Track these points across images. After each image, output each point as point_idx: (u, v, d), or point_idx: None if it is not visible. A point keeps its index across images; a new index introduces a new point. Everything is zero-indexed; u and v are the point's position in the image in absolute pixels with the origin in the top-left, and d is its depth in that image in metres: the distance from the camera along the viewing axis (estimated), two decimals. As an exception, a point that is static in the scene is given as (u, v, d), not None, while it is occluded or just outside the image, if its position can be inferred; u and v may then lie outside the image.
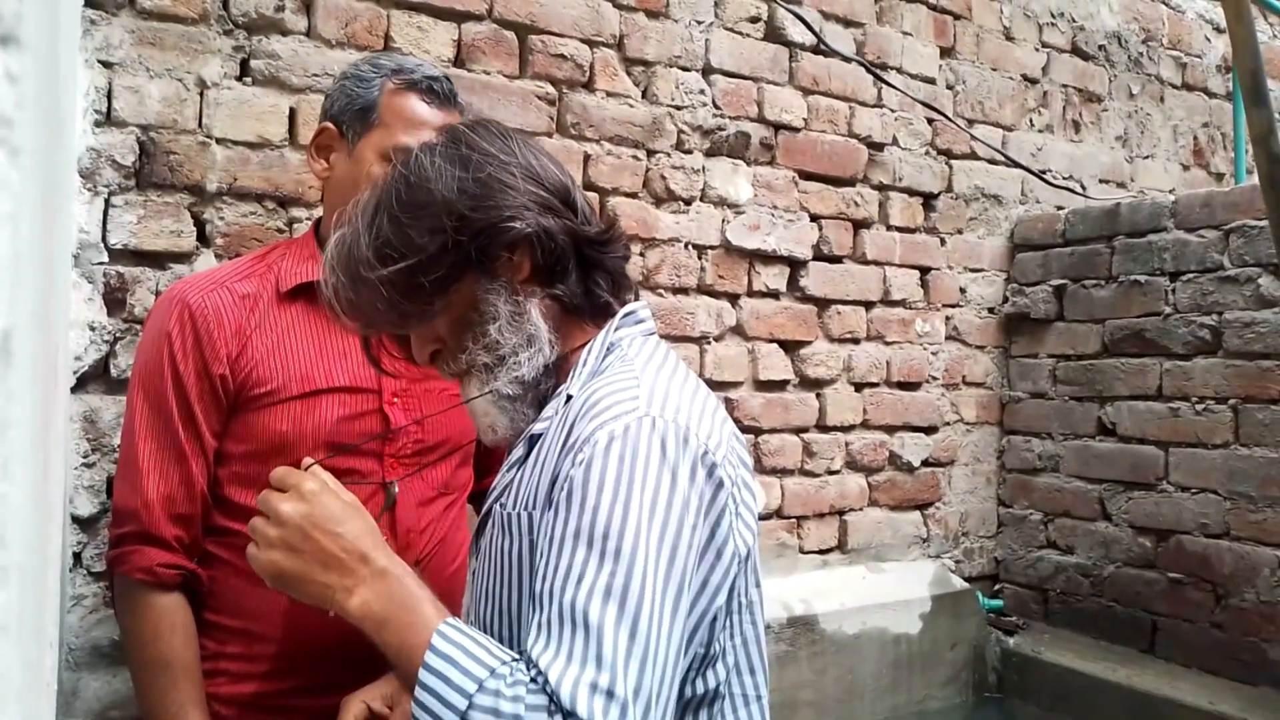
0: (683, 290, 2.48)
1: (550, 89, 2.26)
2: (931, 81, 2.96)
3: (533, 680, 0.80)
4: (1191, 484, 2.64)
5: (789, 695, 2.45)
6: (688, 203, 2.48)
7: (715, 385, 2.50)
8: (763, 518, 2.56)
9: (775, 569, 2.60)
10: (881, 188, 2.84)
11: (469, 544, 1.44)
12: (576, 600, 0.82)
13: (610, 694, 0.78)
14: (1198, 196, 2.74)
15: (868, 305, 2.82)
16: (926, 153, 2.93)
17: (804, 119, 2.68)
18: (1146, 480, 2.75)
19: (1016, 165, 3.09)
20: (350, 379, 1.34)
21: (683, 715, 0.94)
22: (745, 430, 2.57)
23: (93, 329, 1.72)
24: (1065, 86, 3.28)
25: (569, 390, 0.99)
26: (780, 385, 2.66)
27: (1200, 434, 2.63)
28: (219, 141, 1.84)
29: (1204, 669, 2.56)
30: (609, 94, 2.35)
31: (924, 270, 2.94)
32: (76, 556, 1.69)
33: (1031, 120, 3.20)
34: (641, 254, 2.39)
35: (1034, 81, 3.21)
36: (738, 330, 2.58)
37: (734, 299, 2.57)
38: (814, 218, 2.71)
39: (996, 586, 3.11)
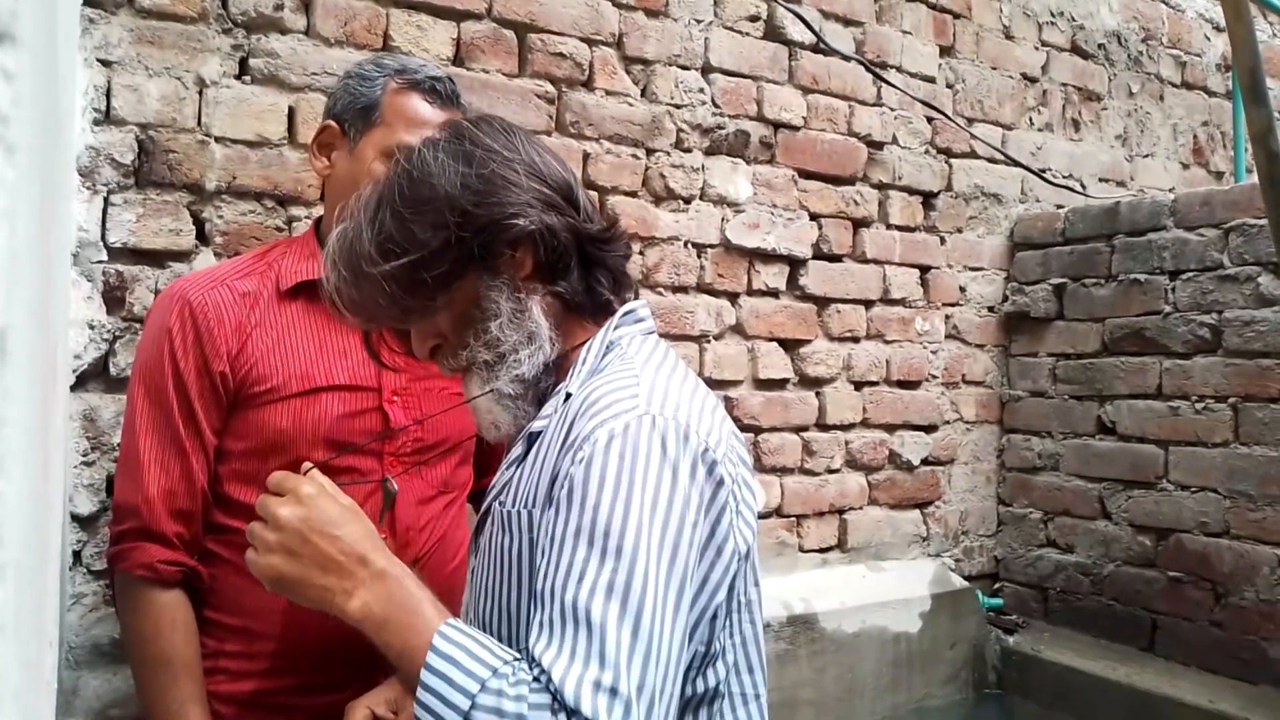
0: (682, 289, 2.48)
1: (549, 88, 2.26)
2: (931, 80, 2.96)
3: (535, 679, 0.80)
4: (1191, 483, 2.64)
5: (789, 694, 2.45)
6: (687, 201, 2.48)
7: (715, 384, 2.50)
8: (762, 516, 2.56)
9: (775, 568, 2.60)
10: (881, 186, 2.84)
11: (468, 542, 1.45)
12: (578, 598, 0.82)
13: (614, 691, 0.78)
14: (1197, 195, 2.73)
15: (867, 304, 2.82)
16: (926, 151, 2.93)
17: (803, 118, 2.68)
18: (1146, 479, 2.75)
19: (1016, 164, 3.09)
20: (350, 377, 1.35)
21: (682, 714, 0.94)
22: (745, 429, 2.57)
23: (92, 327, 1.72)
24: (1065, 85, 3.28)
25: (568, 388, 0.99)
26: (780, 384, 2.66)
27: (1200, 433, 2.63)
28: (218, 140, 1.84)
29: (1204, 667, 2.56)
30: (608, 93, 2.35)
31: (924, 269, 2.94)
32: (76, 555, 1.69)
33: (1031, 119, 3.20)
34: (641, 253, 2.39)
35: (1034, 80, 3.21)
36: (737, 329, 2.58)
37: (733, 298, 2.57)
38: (813, 216, 2.71)
39: (996, 585, 3.11)
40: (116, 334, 1.74)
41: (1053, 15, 3.25)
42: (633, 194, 2.39)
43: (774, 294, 2.64)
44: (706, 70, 2.51)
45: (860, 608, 2.62)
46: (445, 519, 1.42)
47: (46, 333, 0.63)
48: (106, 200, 1.74)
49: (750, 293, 2.60)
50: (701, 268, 2.51)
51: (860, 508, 2.82)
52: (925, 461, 2.96)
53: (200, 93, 1.83)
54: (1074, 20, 3.30)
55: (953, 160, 3.00)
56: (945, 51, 3.00)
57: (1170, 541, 2.68)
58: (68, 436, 1.64)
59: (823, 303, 2.73)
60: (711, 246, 2.52)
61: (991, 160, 3.07)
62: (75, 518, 1.69)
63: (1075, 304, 2.95)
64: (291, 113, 1.91)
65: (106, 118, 1.74)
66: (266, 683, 1.30)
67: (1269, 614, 2.45)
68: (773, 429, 2.64)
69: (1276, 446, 2.46)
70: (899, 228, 2.88)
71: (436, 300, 0.99)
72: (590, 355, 1.01)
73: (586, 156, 2.31)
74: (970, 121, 3.03)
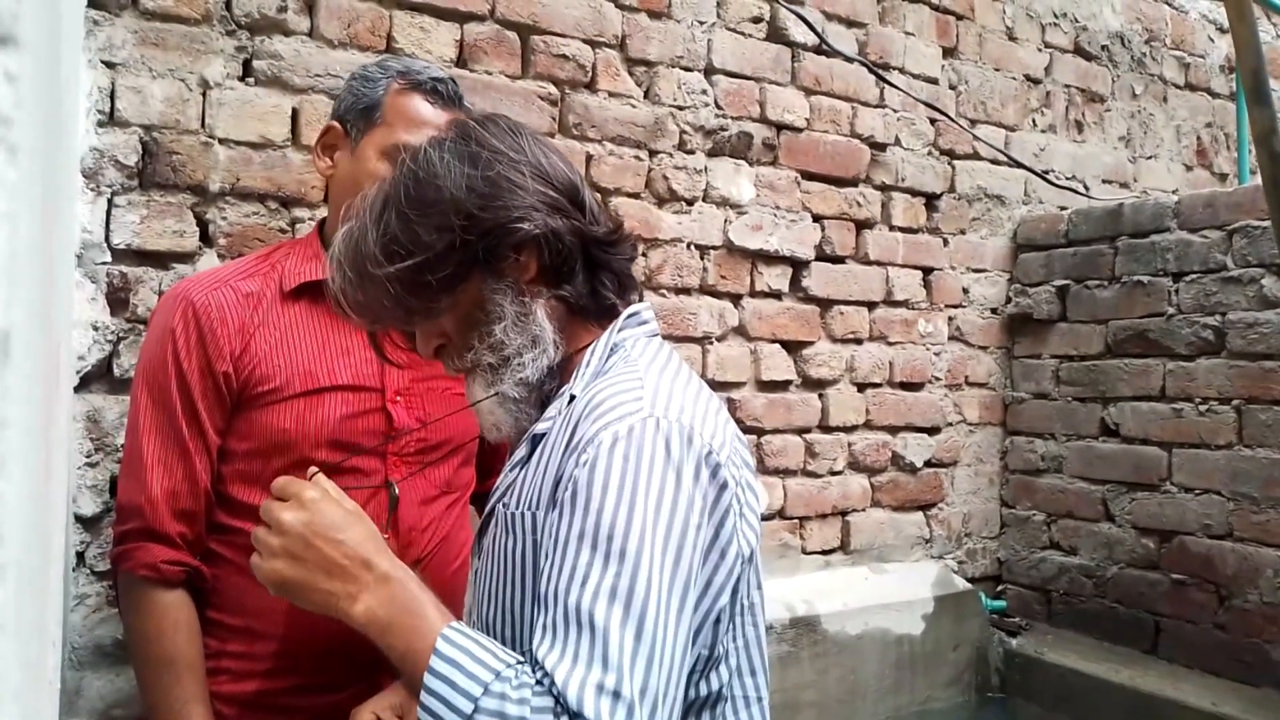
0: (685, 291, 2.48)
1: (552, 89, 2.27)
2: (934, 82, 2.95)
3: (538, 682, 0.80)
4: (1195, 485, 2.64)
5: (791, 696, 2.45)
6: (690, 203, 2.48)
7: (718, 386, 2.50)
8: (765, 518, 2.56)
9: (778, 569, 2.60)
10: (884, 188, 2.84)
11: (471, 544, 1.45)
12: (582, 601, 0.82)
13: (617, 695, 0.78)
14: (1201, 197, 2.73)
15: (870, 306, 2.82)
16: (929, 153, 2.93)
17: (806, 119, 2.68)
18: (1149, 481, 2.74)
19: (1019, 165, 3.09)
20: (353, 377, 1.35)
21: (685, 717, 0.94)
22: (748, 431, 2.57)
23: (96, 329, 1.72)
24: (1068, 87, 3.28)
25: (572, 390, 0.99)
26: (783, 386, 2.66)
27: (1203, 435, 2.62)
28: (221, 142, 1.84)
29: (1207, 670, 2.55)
30: (611, 94, 2.35)
31: (927, 271, 2.94)
32: (80, 556, 1.70)
33: (1034, 120, 3.20)
34: (644, 254, 2.39)
35: (1037, 82, 3.20)
36: (740, 331, 2.58)
37: (736, 299, 2.57)
38: (816, 218, 2.71)
39: (999, 587, 3.10)
40: (120, 335, 1.75)
41: (1056, 16, 3.25)
42: (635, 196, 2.39)
43: (777, 295, 2.64)
44: (709, 72, 2.51)
45: (863, 610, 2.61)
46: (448, 519, 1.42)
47: (49, 334, 0.64)
48: (110, 202, 1.75)
49: (753, 294, 2.60)
50: (704, 269, 2.51)
51: (863, 509, 2.82)
52: (928, 463, 2.95)
53: (204, 94, 1.83)
54: (1077, 21, 3.30)
55: (956, 162, 2.99)
56: (948, 53, 3.00)
57: (1173, 544, 2.68)
58: (71, 437, 1.64)
59: (825, 304, 2.73)
60: (714, 248, 2.52)
61: (994, 162, 3.07)
62: (79, 518, 1.69)
63: (1078, 306, 2.95)
64: (295, 114, 1.92)
65: (110, 119, 1.75)
66: (269, 683, 1.30)
67: (1272, 616, 2.44)
68: (775, 431, 2.64)
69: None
70: (902, 229, 2.88)
71: (441, 302, 0.99)
72: (594, 357, 1.01)
73: (589, 158, 2.31)
74: (973, 123, 3.03)
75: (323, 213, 1.79)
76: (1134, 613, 2.75)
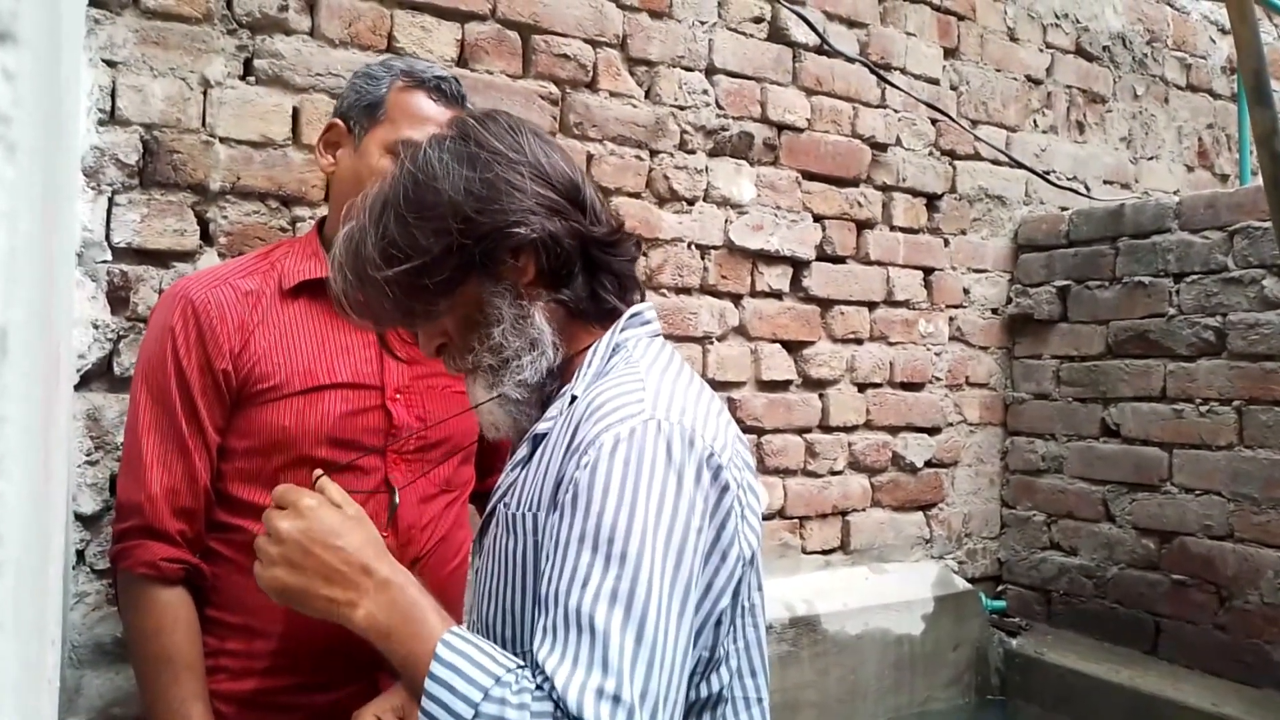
0: (686, 290, 2.48)
1: (553, 89, 2.27)
2: (935, 82, 2.95)
3: (538, 687, 0.80)
4: (1195, 485, 2.64)
5: (791, 696, 2.45)
6: (691, 203, 2.48)
7: (718, 385, 2.50)
8: (765, 518, 2.55)
9: (778, 569, 2.60)
10: (885, 188, 2.84)
11: (470, 542, 1.45)
12: (582, 604, 0.81)
13: (617, 699, 0.78)
14: (1202, 198, 2.73)
15: (871, 306, 2.82)
16: (930, 153, 2.93)
17: (807, 119, 2.68)
18: (1150, 482, 2.74)
19: (1020, 166, 3.09)
20: (353, 375, 1.35)
21: (686, 718, 0.94)
22: (748, 430, 2.57)
23: (96, 327, 1.72)
24: (1069, 87, 3.28)
25: (573, 391, 0.98)
26: (783, 385, 2.66)
27: (1204, 435, 2.62)
28: (222, 141, 1.84)
29: (1207, 671, 2.55)
30: (612, 94, 2.35)
31: (927, 271, 2.94)
32: (80, 554, 1.70)
33: (1035, 121, 3.20)
34: (645, 254, 2.39)
35: (1038, 82, 3.20)
36: (740, 330, 2.58)
37: (737, 299, 2.57)
38: (817, 218, 2.71)
39: (999, 587, 3.10)
40: (120, 334, 1.75)
41: (1057, 17, 3.25)
42: (636, 195, 2.39)
43: (777, 295, 2.64)
44: (710, 71, 2.51)
45: (863, 610, 2.61)
46: (447, 518, 1.42)
47: (49, 332, 0.64)
48: (111, 200, 1.75)
49: (753, 294, 2.60)
50: (705, 269, 2.51)
51: (863, 509, 2.82)
52: (928, 463, 2.95)
53: (205, 93, 1.83)
54: (1079, 22, 3.30)
55: (957, 162, 2.99)
56: (949, 53, 3.00)
57: (1174, 544, 2.67)
58: (71, 436, 1.64)
59: (826, 304, 2.73)
60: (715, 248, 2.52)
61: (995, 162, 3.07)
62: (78, 517, 1.69)
63: (1079, 306, 2.95)
64: (296, 113, 1.92)
65: (111, 118, 1.75)
66: (267, 681, 1.30)
67: (1273, 617, 2.44)
68: (776, 430, 2.64)
69: (1281, 450, 2.46)
70: (903, 229, 2.88)
71: (439, 305, 0.99)
72: (596, 358, 1.01)
73: (590, 158, 2.31)
74: (974, 123, 3.03)
75: (323, 211, 1.79)
76: (1134, 613, 2.75)
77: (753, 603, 1.00)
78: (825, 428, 2.74)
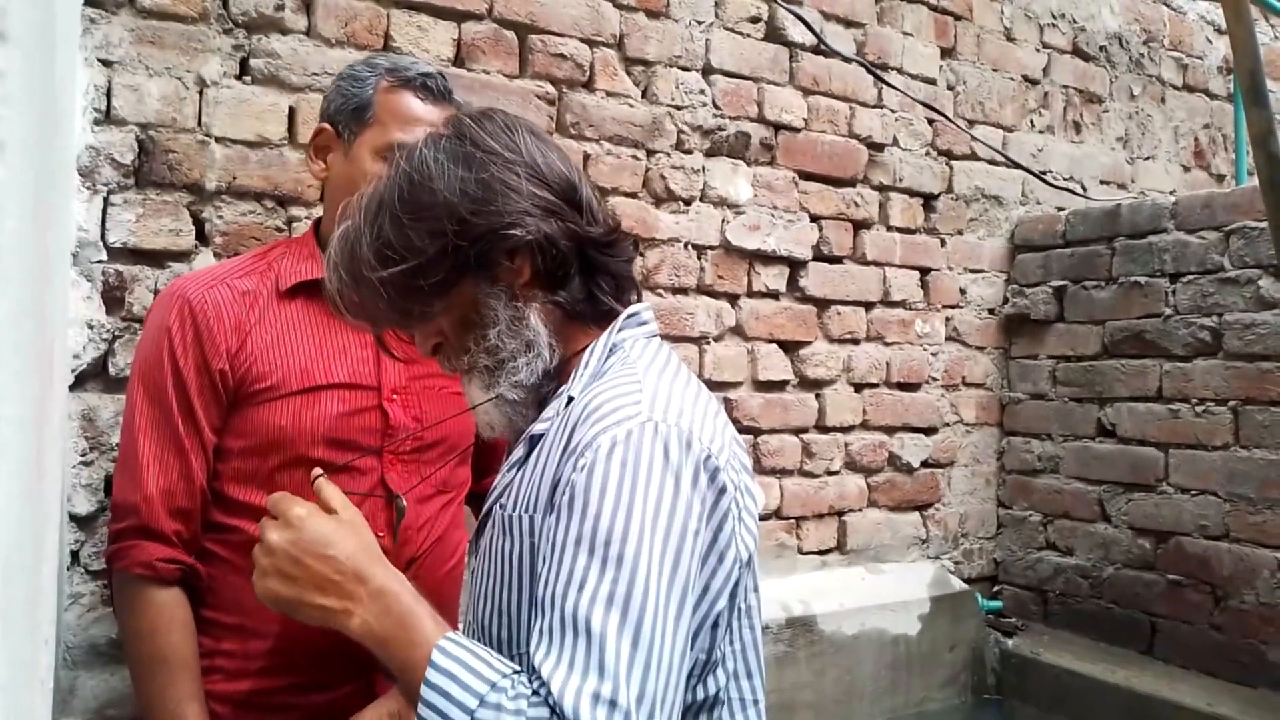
0: (682, 290, 2.48)
1: (550, 88, 2.26)
2: (932, 82, 2.95)
3: (534, 693, 0.79)
4: (1191, 485, 2.64)
5: (788, 696, 2.45)
6: (687, 203, 2.48)
7: (714, 385, 2.50)
8: (762, 518, 2.56)
9: (774, 569, 2.60)
10: (882, 188, 2.84)
11: (466, 543, 1.45)
12: (579, 608, 0.81)
13: (613, 704, 0.78)
14: (1198, 198, 2.73)
15: (867, 306, 2.82)
16: (927, 153, 2.93)
17: (804, 119, 2.68)
18: (1146, 482, 2.74)
19: (1017, 166, 3.09)
20: (349, 375, 1.35)
21: (681, 721, 0.94)
22: (744, 431, 2.57)
23: (91, 327, 1.72)
24: (1066, 87, 3.28)
25: (570, 392, 0.98)
26: (780, 386, 2.66)
27: (1200, 435, 2.63)
28: (218, 140, 1.84)
29: (1203, 671, 2.55)
30: (609, 94, 2.35)
31: (924, 271, 2.94)
32: (74, 555, 1.69)
33: (1032, 121, 3.20)
34: (641, 254, 2.39)
35: (1035, 82, 3.21)
36: (737, 330, 2.58)
37: (733, 299, 2.57)
38: (814, 218, 2.71)
39: (995, 588, 3.10)
40: (116, 334, 1.74)
41: (1054, 17, 3.25)
42: (633, 195, 2.39)
43: (774, 295, 2.64)
44: (707, 71, 2.51)
45: (859, 610, 2.61)
46: (443, 519, 1.42)
47: (42, 331, 0.63)
48: (106, 200, 1.74)
49: (750, 294, 2.60)
50: (701, 269, 2.50)
51: (860, 510, 2.82)
52: (925, 464, 2.95)
53: (201, 93, 1.83)
54: (1075, 22, 3.30)
55: (953, 162, 2.99)
56: (946, 53, 3.00)
57: (1170, 544, 2.68)
58: (66, 436, 1.64)
59: (823, 304, 2.73)
60: (712, 248, 2.52)
61: (992, 162, 3.07)
62: (73, 517, 1.69)
63: (1075, 306, 2.95)
64: (292, 113, 1.91)
65: (107, 117, 1.74)
66: (262, 682, 1.30)
67: (1269, 617, 2.44)
68: (772, 431, 2.64)
69: (1276, 449, 2.46)
70: (899, 229, 2.88)
71: (435, 306, 0.99)
72: (593, 359, 1.01)
73: (587, 157, 2.31)
74: (971, 123, 3.03)
75: (319, 211, 1.78)
76: (1130, 613, 2.75)
77: (749, 604, 0.99)
78: (822, 428, 2.74)
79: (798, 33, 2.65)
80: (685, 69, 2.47)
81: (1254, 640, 2.47)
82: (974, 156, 3.04)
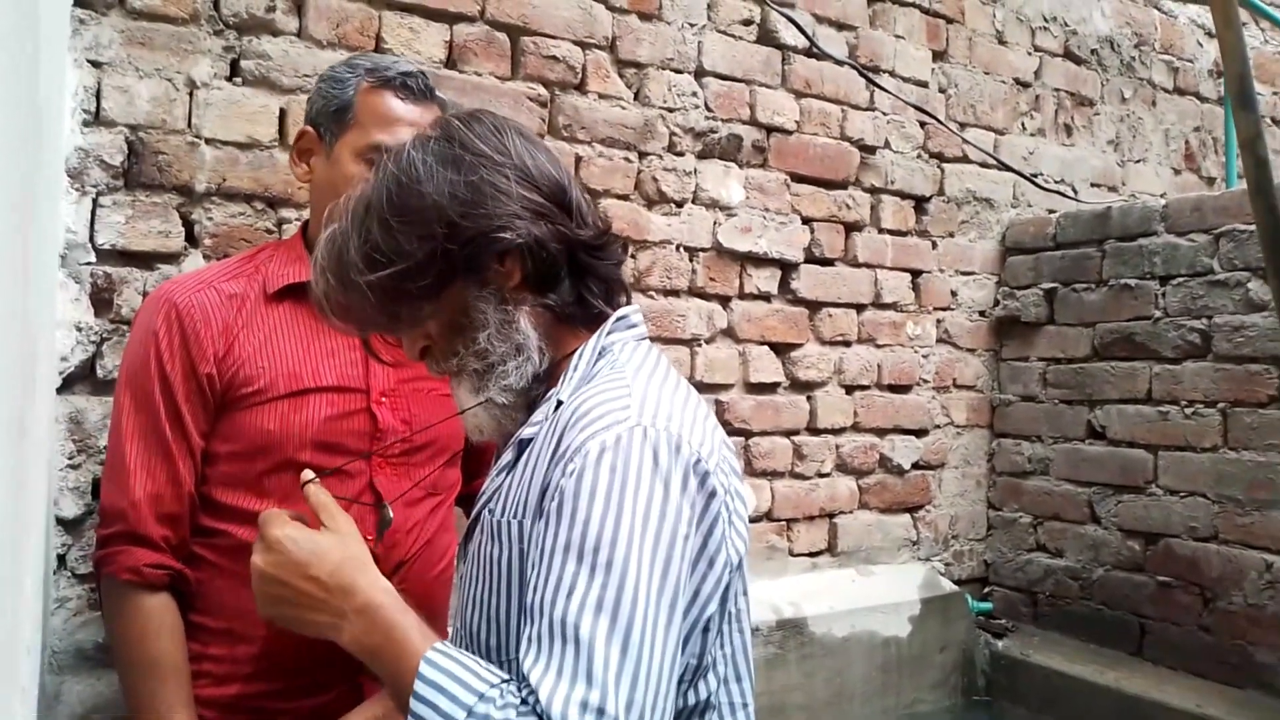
0: (674, 292, 2.48)
1: (542, 90, 2.26)
2: (924, 85, 2.96)
3: (523, 702, 0.79)
4: (1180, 487, 2.65)
5: (778, 698, 2.45)
6: (679, 205, 2.48)
7: (706, 387, 2.50)
8: (753, 520, 2.56)
9: (765, 571, 2.60)
10: (873, 190, 2.84)
11: (456, 546, 1.44)
12: (567, 614, 0.81)
13: (601, 711, 0.77)
14: (1188, 200, 2.74)
15: (859, 308, 2.82)
16: (918, 156, 2.94)
17: (796, 122, 2.68)
18: (1135, 483, 2.75)
19: (1008, 169, 3.10)
20: (338, 378, 1.34)
21: (672, 726, 0.94)
22: (736, 433, 2.57)
23: (79, 329, 1.71)
24: (1057, 90, 3.29)
25: (559, 395, 0.98)
26: (771, 388, 2.66)
27: (1189, 437, 2.63)
28: (208, 142, 1.83)
29: (1192, 672, 2.56)
30: (601, 96, 2.35)
31: (915, 273, 2.94)
32: (61, 559, 1.68)
33: (1023, 124, 3.21)
34: (633, 256, 2.39)
35: (1026, 85, 3.21)
36: (729, 332, 2.58)
37: (725, 301, 2.57)
38: (805, 220, 2.71)
39: (986, 589, 3.11)
40: (104, 336, 1.73)
41: (1046, 20, 3.26)
42: (625, 197, 2.39)
43: (765, 298, 2.64)
44: (699, 74, 2.51)
45: (850, 612, 2.62)
46: (432, 522, 1.42)
47: (25, 332, 0.63)
48: (95, 202, 1.73)
49: (742, 296, 2.60)
50: (693, 271, 2.51)
51: (850, 512, 2.82)
52: (916, 465, 2.96)
53: (191, 94, 1.82)
54: (1067, 26, 3.31)
55: (945, 165, 3.00)
56: (938, 56, 3.00)
57: (1159, 546, 2.69)
58: (53, 439, 1.63)
59: (814, 307, 2.73)
60: (703, 250, 2.52)
61: (983, 165, 3.08)
62: (60, 521, 1.68)
63: (1066, 309, 2.96)
64: (283, 114, 1.91)
65: (96, 119, 1.74)
66: (251, 686, 1.29)
67: (1256, 619, 2.45)
68: (763, 433, 2.64)
69: (1265, 452, 2.47)
70: (891, 232, 2.88)
71: (424, 309, 0.99)
72: (582, 362, 1.00)
73: (579, 160, 2.31)
74: (962, 126, 3.04)
75: (309, 214, 1.78)
76: (1120, 615, 2.76)
77: (739, 608, 0.99)
78: (813, 430, 2.74)
79: (790, 35, 2.65)
80: (677, 71, 2.47)
81: (1242, 641, 2.48)
82: (965, 159, 3.04)
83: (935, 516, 3.01)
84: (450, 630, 1.08)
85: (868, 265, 2.83)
